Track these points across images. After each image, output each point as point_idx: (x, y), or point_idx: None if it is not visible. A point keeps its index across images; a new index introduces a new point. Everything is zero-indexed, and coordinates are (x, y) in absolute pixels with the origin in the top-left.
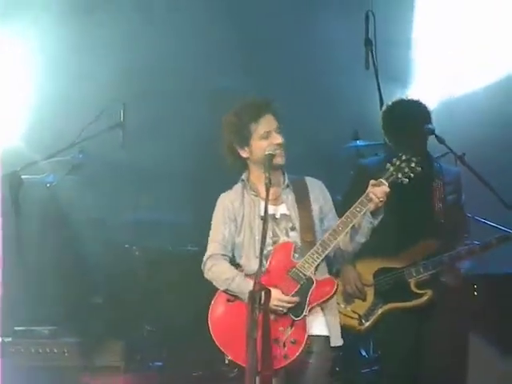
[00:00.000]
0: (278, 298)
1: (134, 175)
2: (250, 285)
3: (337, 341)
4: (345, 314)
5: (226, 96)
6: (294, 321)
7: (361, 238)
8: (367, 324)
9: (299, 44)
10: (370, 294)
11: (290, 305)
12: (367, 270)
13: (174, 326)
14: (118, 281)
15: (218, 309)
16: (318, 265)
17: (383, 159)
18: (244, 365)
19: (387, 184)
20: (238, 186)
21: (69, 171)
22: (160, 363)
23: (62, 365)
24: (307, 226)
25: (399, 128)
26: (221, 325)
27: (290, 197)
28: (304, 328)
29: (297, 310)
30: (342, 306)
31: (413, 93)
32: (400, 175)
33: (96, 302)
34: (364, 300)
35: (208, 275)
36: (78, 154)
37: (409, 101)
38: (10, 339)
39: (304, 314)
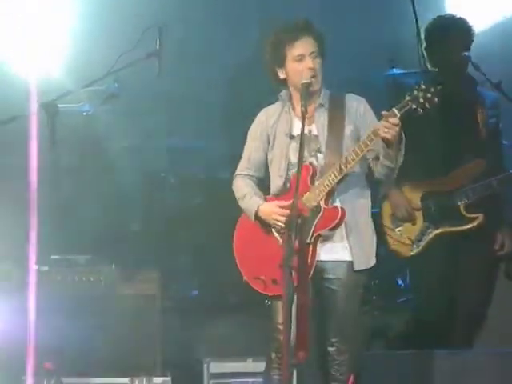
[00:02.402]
0: (272, 211)
1: (170, 104)
2: (255, 204)
3: (360, 264)
4: (397, 240)
5: (269, 22)
6: (300, 248)
7: (383, 168)
8: (418, 249)
9: None
10: (420, 218)
11: (282, 217)
12: (414, 194)
13: (209, 255)
14: (155, 209)
15: (240, 227)
16: (331, 192)
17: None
18: (254, 285)
19: (398, 115)
20: (279, 103)
21: (104, 100)
22: (196, 292)
23: (99, 293)
24: (335, 149)
25: (442, 42)
26: (239, 243)
27: (322, 116)
28: (311, 255)
29: (303, 236)
30: (393, 230)
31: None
32: (415, 106)
33: (132, 230)
34: (414, 224)
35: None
36: (113, 83)
37: (454, 17)
38: (46, 268)
39: (308, 241)
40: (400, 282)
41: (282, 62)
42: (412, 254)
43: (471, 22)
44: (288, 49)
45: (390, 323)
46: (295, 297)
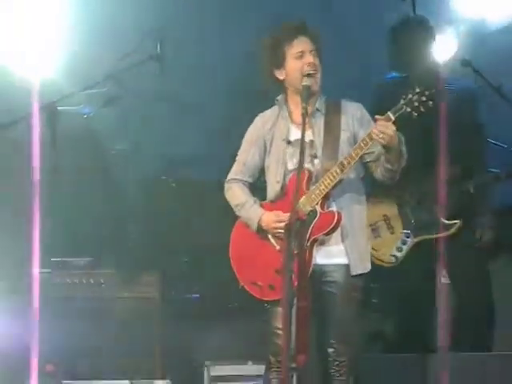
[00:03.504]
0: (272, 220)
1: (170, 106)
2: (257, 212)
3: (357, 269)
4: (377, 250)
5: (270, 27)
6: (296, 253)
7: (385, 171)
8: (399, 259)
9: None
10: (399, 226)
11: (280, 224)
12: (391, 202)
13: (210, 258)
14: (155, 212)
15: (236, 232)
16: (327, 196)
17: (402, 79)
18: (251, 291)
19: (393, 118)
20: (275, 107)
21: (105, 103)
22: (196, 295)
23: (99, 295)
24: (331, 154)
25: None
26: (235, 248)
27: (318, 121)
28: (307, 259)
29: (300, 241)
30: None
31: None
32: (409, 109)
33: (132, 232)
34: (392, 233)
35: (227, 198)
36: (113, 85)
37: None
38: (46, 270)
39: (304, 246)
40: None
41: (281, 62)
42: (394, 263)
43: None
44: (287, 48)
45: (389, 326)
46: (295, 301)
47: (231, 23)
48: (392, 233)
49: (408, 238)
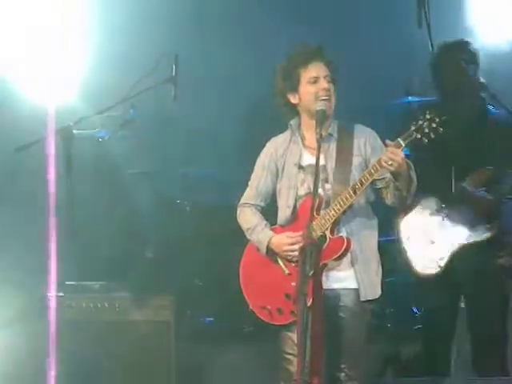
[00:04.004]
0: (283, 243)
1: (185, 130)
2: (267, 235)
3: (366, 295)
4: (419, 262)
5: (285, 52)
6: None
7: (395, 197)
8: (441, 267)
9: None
10: (438, 235)
11: (294, 246)
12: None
13: (224, 281)
14: (169, 235)
15: (247, 256)
16: (337, 221)
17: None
18: (259, 315)
19: (403, 145)
20: (288, 132)
21: (120, 126)
22: (210, 318)
23: (114, 319)
24: (342, 179)
25: (444, 69)
26: (245, 272)
27: (331, 146)
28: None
29: (315, 264)
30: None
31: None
32: (419, 135)
33: (147, 256)
34: (433, 242)
35: (239, 222)
36: (129, 109)
37: (454, 42)
38: (61, 294)
39: (310, 271)
40: (415, 309)
41: (295, 86)
42: (436, 272)
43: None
44: (302, 72)
45: (404, 350)
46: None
47: (246, 48)
48: (432, 243)
49: (448, 246)
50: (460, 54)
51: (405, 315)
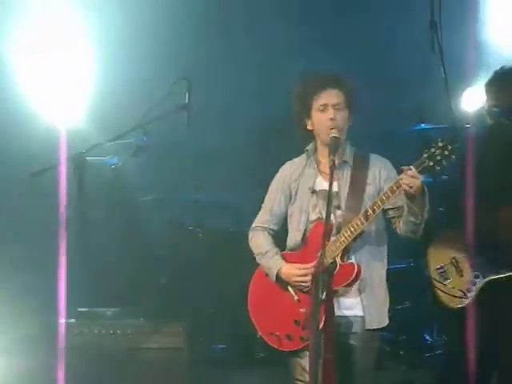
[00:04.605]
0: (293, 274)
1: (197, 157)
2: (277, 263)
3: (372, 324)
4: (447, 293)
5: (296, 80)
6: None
7: (408, 225)
8: (468, 300)
9: (363, 25)
10: (467, 267)
11: (306, 277)
12: (458, 242)
13: (236, 308)
14: (182, 262)
15: (255, 281)
16: (347, 248)
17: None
18: (268, 341)
19: (416, 171)
20: (303, 156)
21: (133, 153)
22: (222, 345)
23: (126, 346)
24: (354, 207)
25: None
26: (254, 298)
27: (345, 173)
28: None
29: (328, 290)
30: (443, 284)
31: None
32: (432, 163)
33: (159, 283)
34: (461, 276)
35: (250, 246)
36: (142, 135)
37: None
38: (73, 320)
39: (322, 297)
40: (427, 337)
41: (308, 113)
42: (462, 305)
43: None
44: (314, 99)
45: (417, 377)
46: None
47: (260, 74)
48: (461, 276)
49: (477, 278)
50: None
51: (418, 342)
